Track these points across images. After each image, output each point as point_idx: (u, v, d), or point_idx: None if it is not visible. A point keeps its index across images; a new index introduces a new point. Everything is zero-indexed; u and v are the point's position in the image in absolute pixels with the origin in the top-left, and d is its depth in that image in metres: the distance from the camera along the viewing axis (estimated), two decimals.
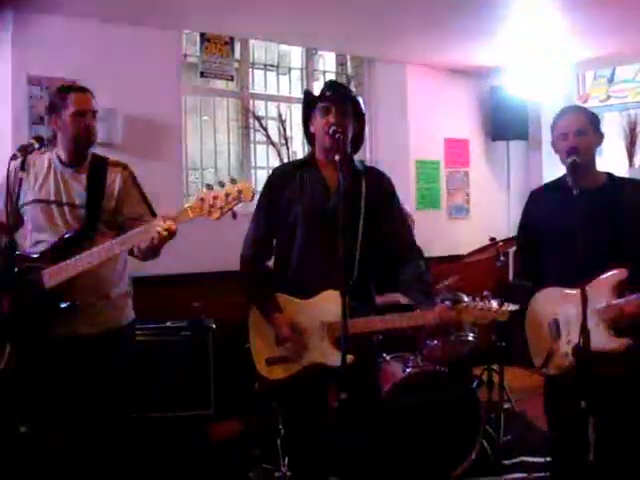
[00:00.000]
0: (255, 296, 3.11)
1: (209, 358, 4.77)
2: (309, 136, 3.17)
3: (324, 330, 2.91)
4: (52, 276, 2.98)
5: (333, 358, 2.80)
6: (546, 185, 3.39)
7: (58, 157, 3.19)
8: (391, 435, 3.91)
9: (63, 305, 2.99)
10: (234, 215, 2.75)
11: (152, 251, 3.05)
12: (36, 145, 3.03)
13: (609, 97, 7.62)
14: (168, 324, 4.83)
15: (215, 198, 2.70)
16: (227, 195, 2.69)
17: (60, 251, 3.03)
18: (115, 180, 3.22)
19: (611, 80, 7.60)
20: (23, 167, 3.00)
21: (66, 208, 3.14)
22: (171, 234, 2.85)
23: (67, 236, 3.08)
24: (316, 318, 2.93)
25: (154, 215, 3.20)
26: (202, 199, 2.73)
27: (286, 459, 4.16)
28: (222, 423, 4.88)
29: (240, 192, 2.68)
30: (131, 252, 3.15)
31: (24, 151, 3.00)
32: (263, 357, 3.03)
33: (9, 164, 3.05)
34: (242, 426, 4.93)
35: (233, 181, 2.74)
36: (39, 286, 2.98)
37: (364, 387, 2.99)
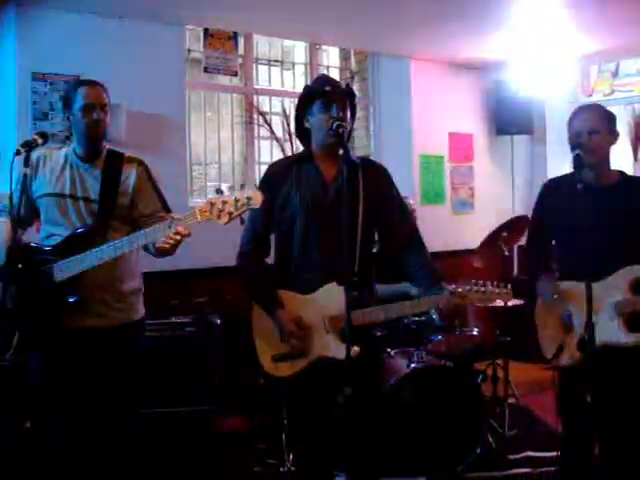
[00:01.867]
0: (257, 293, 3.10)
1: (214, 353, 4.77)
2: (301, 131, 3.13)
3: (328, 323, 2.90)
4: (63, 269, 3.00)
5: (340, 351, 2.79)
6: (560, 177, 3.39)
7: (74, 152, 3.20)
8: (396, 430, 3.92)
9: (71, 299, 3.01)
10: (242, 221, 2.81)
11: (165, 251, 3.05)
12: (40, 141, 3.02)
13: (614, 91, 7.60)
14: (173, 320, 4.83)
15: (224, 203, 2.72)
16: (236, 201, 2.72)
17: (73, 245, 3.04)
18: (130, 176, 3.23)
19: (616, 74, 7.59)
20: (27, 163, 3.01)
21: (81, 202, 3.15)
22: (181, 237, 2.88)
23: (80, 230, 3.10)
24: (319, 312, 2.92)
25: (168, 211, 3.23)
26: (212, 203, 2.75)
27: (291, 454, 4.17)
28: (227, 418, 4.88)
29: (249, 199, 2.71)
30: (145, 248, 3.16)
31: (27, 147, 3.00)
32: (268, 354, 3.01)
33: (13, 160, 3.06)
34: (247, 421, 4.94)
35: (242, 187, 2.79)
36: (50, 279, 3.01)
37: (368, 381, 2.99)
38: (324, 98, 2.98)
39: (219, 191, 2.78)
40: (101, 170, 3.19)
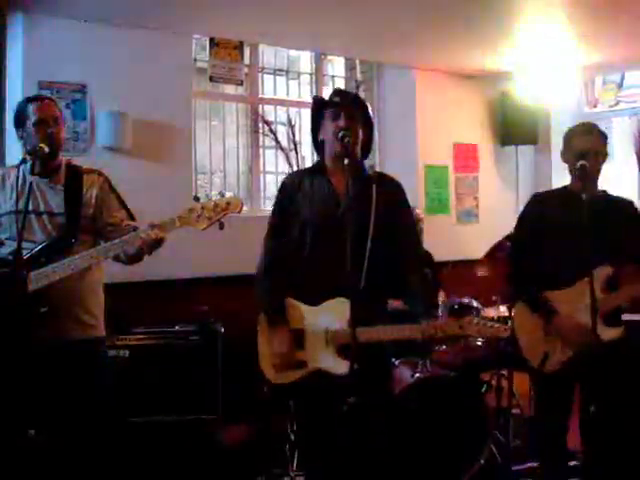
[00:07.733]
0: (265, 305, 3.10)
1: (217, 362, 4.77)
2: (317, 145, 3.17)
3: (329, 337, 2.90)
4: (38, 279, 2.97)
5: (336, 366, 2.82)
6: (550, 191, 3.64)
7: (31, 168, 3.07)
8: (400, 439, 3.91)
9: (43, 309, 2.98)
10: (221, 226, 2.89)
11: (138, 257, 3.11)
12: (46, 149, 3.03)
13: (618, 102, 7.61)
14: (177, 328, 4.83)
15: (203, 208, 2.85)
16: (215, 206, 2.86)
17: (41, 257, 3.03)
18: (92, 187, 3.24)
19: (620, 85, 7.59)
20: (33, 171, 3.01)
21: (45, 217, 3.15)
22: (158, 242, 2.94)
23: (47, 243, 3.09)
24: (322, 325, 2.93)
25: (133, 219, 3.28)
26: (190, 209, 2.88)
27: (294, 463, 4.17)
28: (231, 427, 4.88)
29: (228, 204, 2.84)
30: (116, 257, 3.16)
31: (34, 155, 3.01)
32: (270, 362, 3.03)
33: (19, 168, 3.07)
34: (250, 430, 4.94)
35: (221, 194, 2.90)
36: (24, 289, 2.95)
37: (376, 392, 2.97)
38: (333, 108, 3.01)
39: (197, 199, 2.91)
40: (63, 184, 3.19)
